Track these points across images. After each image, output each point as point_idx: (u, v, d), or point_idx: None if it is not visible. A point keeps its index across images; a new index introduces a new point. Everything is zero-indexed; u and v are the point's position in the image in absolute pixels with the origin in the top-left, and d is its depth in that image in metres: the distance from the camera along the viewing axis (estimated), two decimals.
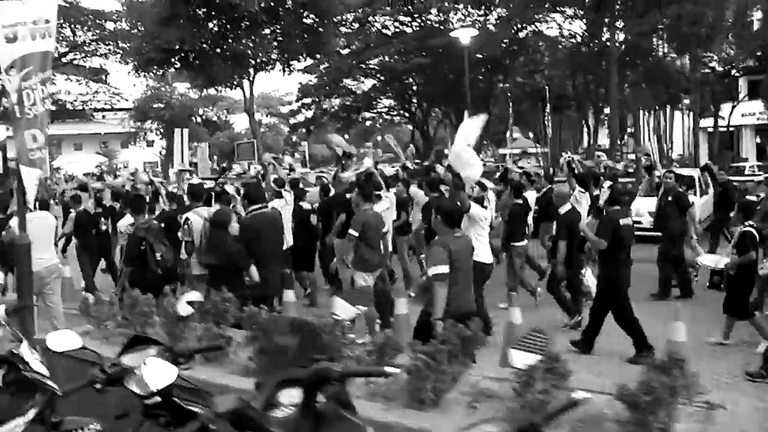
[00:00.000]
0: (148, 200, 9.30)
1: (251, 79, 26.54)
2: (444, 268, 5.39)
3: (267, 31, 24.68)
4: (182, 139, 16.22)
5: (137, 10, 27.04)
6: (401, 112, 37.61)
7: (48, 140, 6.14)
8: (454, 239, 5.62)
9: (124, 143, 66.39)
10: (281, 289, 7.80)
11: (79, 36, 30.96)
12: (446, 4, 30.05)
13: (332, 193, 11.14)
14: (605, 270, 7.25)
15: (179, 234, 8.70)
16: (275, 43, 25.03)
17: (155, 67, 27.04)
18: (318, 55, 27.71)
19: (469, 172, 8.13)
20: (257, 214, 7.11)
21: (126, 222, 8.96)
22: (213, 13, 24.20)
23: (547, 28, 30.90)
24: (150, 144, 68.65)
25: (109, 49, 31.80)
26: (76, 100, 34.47)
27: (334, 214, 10.04)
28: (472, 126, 8.94)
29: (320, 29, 25.25)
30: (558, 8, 27.89)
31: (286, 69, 27.32)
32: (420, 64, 30.14)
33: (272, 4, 23.54)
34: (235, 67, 25.15)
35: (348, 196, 9.80)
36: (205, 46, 24.67)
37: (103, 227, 10.99)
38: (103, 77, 34.16)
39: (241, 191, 10.22)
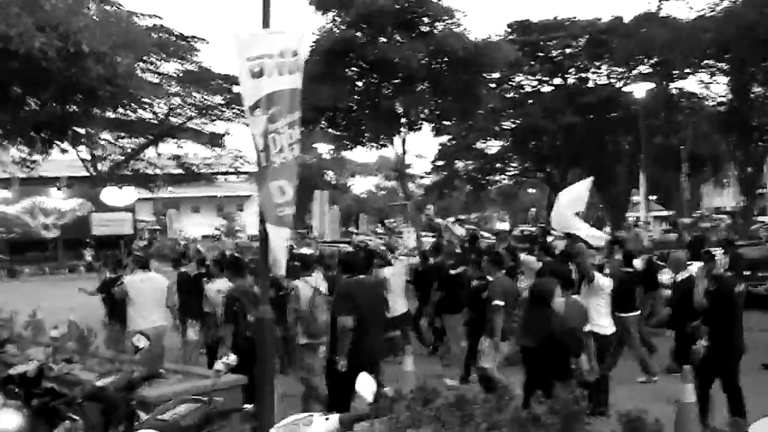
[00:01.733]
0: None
1: (403, 138, 27.27)
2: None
3: (421, 88, 24.47)
4: (321, 201, 16.67)
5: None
6: (536, 173, 37.39)
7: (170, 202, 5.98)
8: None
9: (240, 206, 69.71)
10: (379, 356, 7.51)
11: (207, 100, 32.52)
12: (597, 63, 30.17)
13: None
14: (719, 338, 6.89)
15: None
16: (431, 102, 24.93)
17: (302, 127, 27.88)
18: (471, 114, 27.74)
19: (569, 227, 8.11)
20: (354, 279, 6.86)
21: (215, 287, 9.06)
22: (366, 70, 24.61)
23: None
24: None
25: (235, 113, 33.25)
26: (200, 164, 36.02)
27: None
28: (577, 191, 8.80)
29: (474, 87, 25.07)
30: (705, 64, 27.29)
31: (436, 128, 27.65)
32: (570, 123, 29.92)
33: (429, 60, 23.70)
34: (387, 126, 25.40)
35: (452, 272, 10.02)
36: (353, 105, 25.13)
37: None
38: (221, 142, 35.56)
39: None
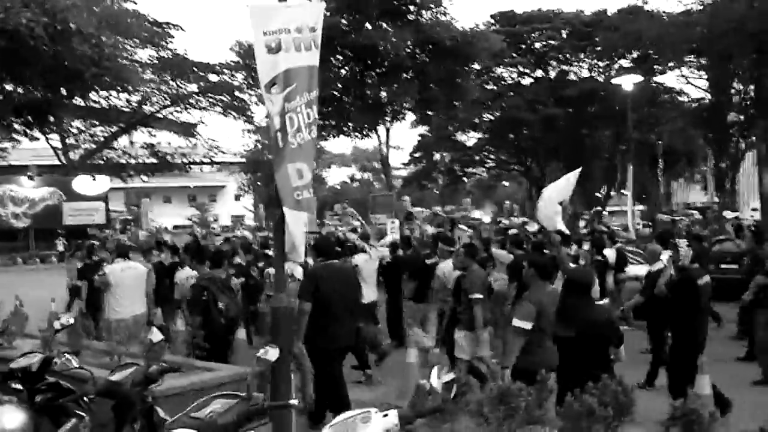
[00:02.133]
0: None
1: (387, 128, 27.07)
2: (527, 325, 5.76)
3: (406, 77, 24.56)
4: None
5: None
6: (514, 166, 37.69)
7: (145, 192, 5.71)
8: (546, 293, 5.98)
9: (212, 196, 69.30)
10: (352, 343, 7.56)
11: (183, 88, 32.08)
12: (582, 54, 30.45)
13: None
14: (681, 328, 7.18)
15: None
16: (416, 92, 24.90)
17: None
18: (456, 104, 27.71)
19: (552, 223, 8.29)
20: (325, 264, 6.89)
21: (183, 275, 9.19)
22: (351, 57, 24.70)
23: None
24: (237, 198, 71.50)
25: (211, 102, 33.03)
26: (174, 153, 35.39)
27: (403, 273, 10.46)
28: (564, 182, 8.82)
29: (459, 78, 25.40)
30: (687, 60, 27.56)
31: (419, 119, 27.98)
32: (551, 114, 30.11)
33: (415, 48, 23.78)
34: (372, 115, 25.46)
35: (428, 261, 10.03)
36: (336, 92, 25.12)
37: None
38: (194, 131, 35.23)
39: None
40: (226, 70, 31.02)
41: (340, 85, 25.11)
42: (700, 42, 23.37)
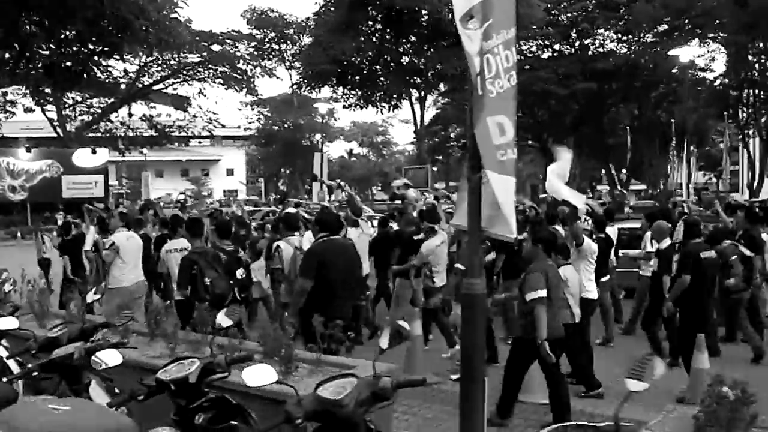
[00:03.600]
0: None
1: (422, 96, 27.22)
2: (543, 293, 6.11)
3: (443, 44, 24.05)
4: (322, 164, 17.31)
5: (319, 21, 27.87)
6: (529, 142, 37.80)
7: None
8: (549, 266, 6.39)
9: (205, 170, 69.65)
10: (350, 319, 7.65)
11: (183, 58, 32.27)
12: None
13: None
14: (688, 305, 7.45)
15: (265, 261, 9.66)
16: (456, 59, 23.96)
17: (320, 82, 27.80)
18: None
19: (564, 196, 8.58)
20: (327, 240, 6.97)
21: (167, 248, 9.32)
22: (387, 22, 24.60)
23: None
24: (230, 172, 72.01)
25: (211, 73, 33.42)
26: (173, 125, 35.99)
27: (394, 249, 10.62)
28: (562, 163, 9.31)
29: None
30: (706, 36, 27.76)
31: (450, 89, 27.66)
32: (584, 89, 29.29)
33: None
34: (405, 83, 25.52)
35: (415, 237, 10.18)
36: (366, 61, 25.17)
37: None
38: (186, 105, 35.56)
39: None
40: (228, 40, 31.27)
41: (370, 53, 25.09)
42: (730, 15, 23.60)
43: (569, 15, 30.95)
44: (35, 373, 3.64)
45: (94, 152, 30.07)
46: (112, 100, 32.87)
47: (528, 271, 6.54)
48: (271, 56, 33.74)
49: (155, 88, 33.69)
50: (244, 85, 33.94)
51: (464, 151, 37.81)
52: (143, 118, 34.43)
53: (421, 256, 9.76)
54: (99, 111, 33.19)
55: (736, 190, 35.46)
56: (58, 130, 33.07)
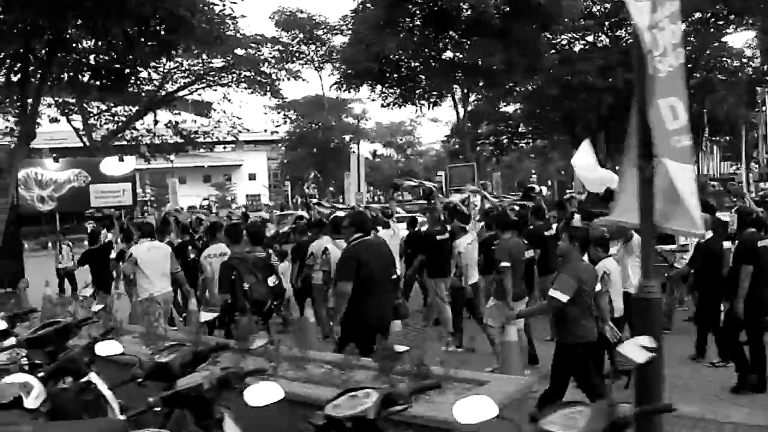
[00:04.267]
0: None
1: (465, 92, 27.15)
2: (564, 298, 6.13)
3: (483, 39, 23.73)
4: (359, 165, 17.49)
5: (357, 19, 27.88)
6: (563, 136, 37.54)
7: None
8: (583, 267, 6.46)
9: (227, 176, 70.38)
10: (391, 320, 7.79)
11: (208, 63, 32.66)
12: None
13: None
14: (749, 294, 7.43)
15: (308, 262, 9.89)
16: (500, 53, 24.03)
17: (359, 80, 27.74)
18: (535, 70, 26.97)
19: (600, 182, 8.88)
20: (361, 241, 7.07)
21: (207, 253, 9.53)
22: (427, 17, 24.42)
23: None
24: (252, 177, 72.64)
25: (234, 78, 33.69)
26: (198, 131, 36.39)
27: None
28: (584, 154, 9.53)
29: (539, 40, 25.00)
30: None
31: (493, 84, 27.18)
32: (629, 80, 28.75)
33: (501, 5, 23.26)
34: (447, 79, 25.46)
35: (439, 237, 10.66)
36: (405, 58, 25.14)
37: (191, 255, 11.57)
38: (206, 112, 35.97)
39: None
40: (252, 44, 31.55)
41: (410, 50, 24.99)
42: None
43: (604, 6, 30.51)
44: (157, 408, 3.21)
45: (121, 160, 30.60)
46: (137, 108, 33.37)
47: (560, 270, 6.61)
48: (295, 59, 34.17)
49: (179, 94, 34.11)
50: (268, 89, 34.34)
51: (495, 149, 38.33)
52: (168, 125, 34.88)
53: (457, 258, 10.05)
54: (124, 119, 33.73)
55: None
56: (84, 139, 33.71)
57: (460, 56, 24.37)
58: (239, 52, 31.63)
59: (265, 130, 41.74)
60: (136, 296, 9.44)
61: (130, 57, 12.20)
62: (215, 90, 34.95)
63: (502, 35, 23.71)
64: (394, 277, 9.80)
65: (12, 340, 4.96)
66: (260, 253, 8.44)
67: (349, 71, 27.61)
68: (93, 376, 4.03)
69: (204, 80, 34.15)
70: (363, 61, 25.39)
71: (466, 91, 26.94)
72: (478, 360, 8.35)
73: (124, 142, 34.61)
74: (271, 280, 8.19)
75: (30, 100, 12.68)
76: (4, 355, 4.74)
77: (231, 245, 8.59)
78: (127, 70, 12.69)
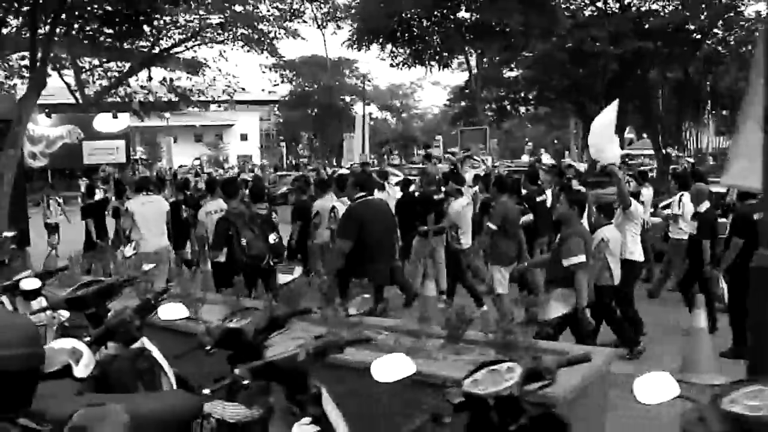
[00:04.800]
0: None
1: (479, 53, 27.39)
2: (582, 257, 6.44)
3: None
4: (364, 125, 17.73)
5: None
6: (567, 104, 37.27)
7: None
8: (584, 230, 6.83)
9: (218, 135, 70.42)
10: (388, 282, 8.17)
11: (204, 18, 32.35)
12: None
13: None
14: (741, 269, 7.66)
15: (315, 221, 10.36)
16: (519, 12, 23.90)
17: (371, 38, 27.86)
18: (551, 33, 26.71)
19: (608, 155, 9.07)
20: (365, 201, 7.30)
21: (205, 210, 9.79)
22: None
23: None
24: (244, 138, 72.70)
25: (230, 35, 33.31)
26: (192, 89, 36.10)
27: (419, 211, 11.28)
28: (608, 115, 9.90)
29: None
30: None
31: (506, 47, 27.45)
32: (641, 48, 27.78)
33: None
34: (461, 39, 25.33)
35: (436, 197, 11.15)
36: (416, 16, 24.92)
37: (184, 214, 12.07)
38: (201, 70, 35.66)
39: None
40: (250, 1, 31.28)
41: (424, 9, 24.85)
42: None
43: None
44: (245, 381, 2.85)
45: (115, 117, 30.40)
46: (130, 64, 33.24)
47: (565, 235, 6.80)
48: (294, 17, 34.05)
49: (174, 51, 34.03)
50: (265, 47, 34.15)
51: (496, 115, 38.48)
52: (162, 82, 34.82)
53: (449, 218, 10.43)
54: (117, 75, 33.66)
55: None
56: (76, 95, 33.67)
57: (477, 16, 24.29)
58: (237, 8, 31.36)
59: (263, 90, 41.77)
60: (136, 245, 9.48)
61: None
62: (211, 47, 34.83)
63: None
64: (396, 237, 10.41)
65: (42, 301, 5.01)
66: (261, 209, 8.60)
67: (360, 28, 27.64)
68: (145, 342, 3.84)
69: (199, 37, 33.92)
70: (378, 18, 25.32)
71: (479, 52, 26.77)
72: None
73: (117, 99, 34.30)
74: (272, 237, 8.32)
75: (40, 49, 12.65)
76: (36, 317, 4.54)
77: (228, 200, 8.75)
78: (142, 17, 12.60)
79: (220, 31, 33.35)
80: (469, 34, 25.58)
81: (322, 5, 38.85)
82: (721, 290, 9.09)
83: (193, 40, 33.63)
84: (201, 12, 31.09)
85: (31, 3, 11.93)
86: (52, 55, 29.95)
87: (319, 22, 40.74)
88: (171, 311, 3.93)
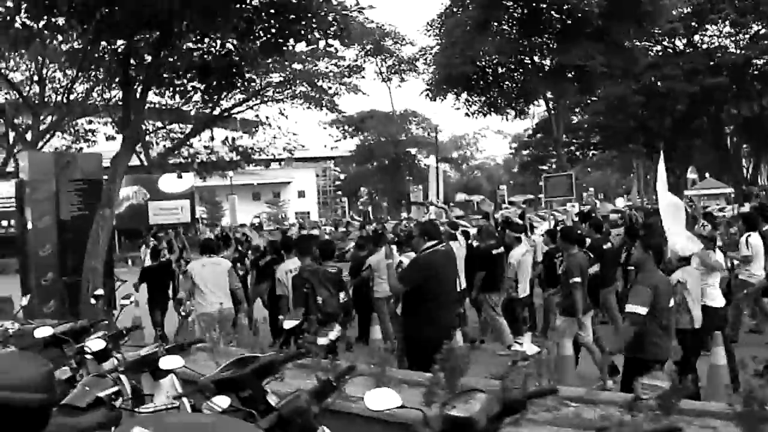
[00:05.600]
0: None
1: (555, 98, 27.39)
2: (644, 310, 6.14)
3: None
4: (437, 175, 18.58)
5: (449, 22, 28.29)
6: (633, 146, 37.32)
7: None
8: (659, 277, 6.51)
9: (276, 193, 72.07)
10: (457, 327, 8.16)
11: (265, 77, 33.28)
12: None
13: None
14: None
15: (363, 274, 10.56)
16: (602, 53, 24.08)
17: (447, 87, 28.43)
18: (630, 73, 26.93)
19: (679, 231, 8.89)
20: (434, 251, 7.24)
21: (284, 268, 9.95)
22: (522, 20, 24.63)
23: None
24: (302, 194, 74.23)
25: (289, 93, 34.62)
26: (254, 148, 36.84)
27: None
28: (662, 172, 10.13)
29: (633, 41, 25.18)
30: None
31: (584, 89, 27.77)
32: (713, 85, 28.01)
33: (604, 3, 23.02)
34: (540, 83, 25.76)
35: (495, 251, 11.35)
36: (499, 64, 25.26)
37: (240, 272, 12.31)
38: (254, 129, 36.86)
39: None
40: (309, 58, 31.92)
41: (506, 54, 25.18)
42: None
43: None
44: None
45: (179, 177, 31.81)
46: (191, 125, 34.47)
47: (636, 281, 6.63)
48: (352, 73, 35.01)
49: (236, 110, 35.25)
50: (325, 104, 35.16)
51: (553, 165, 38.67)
52: (224, 142, 35.87)
53: (511, 267, 10.76)
54: (180, 137, 34.98)
55: None
56: (141, 156, 35.12)
57: (558, 59, 24.60)
58: (297, 66, 32.38)
59: (325, 146, 42.66)
60: (190, 312, 10.15)
61: (239, 54, 11.78)
62: (269, 106, 36.03)
63: (599, 37, 24.04)
64: (461, 290, 10.61)
65: (114, 361, 4.96)
66: (331, 267, 8.84)
67: (436, 76, 28.23)
68: None
69: (259, 96, 35.05)
70: (458, 65, 25.82)
71: (557, 96, 27.04)
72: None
73: (181, 160, 35.54)
74: (341, 296, 8.55)
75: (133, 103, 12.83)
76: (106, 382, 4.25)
77: (301, 258, 8.99)
78: (235, 68, 12.34)
79: (279, 90, 34.48)
80: (548, 78, 25.89)
81: (387, 59, 39.58)
82: None
83: (254, 99, 34.83)
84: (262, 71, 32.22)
85: (123, 53, 11.87)
86: (116, 118, 31.69)
87: (384, 76, 41.42)
88: (378, 398, 3.03)
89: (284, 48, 12.12)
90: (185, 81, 12.63)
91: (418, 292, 7.05)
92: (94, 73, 21.60)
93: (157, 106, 27.82)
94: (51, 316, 10.79)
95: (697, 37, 31.34)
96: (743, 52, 29.00)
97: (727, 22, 29.61)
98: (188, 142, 34.97)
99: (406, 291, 7.19)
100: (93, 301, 9.62)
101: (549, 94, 28.32)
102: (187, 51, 11.97)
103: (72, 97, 30.35)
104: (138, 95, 12.70)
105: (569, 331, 8.82)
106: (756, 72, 29.42)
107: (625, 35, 24.36)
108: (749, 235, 10.68)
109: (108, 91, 27.25)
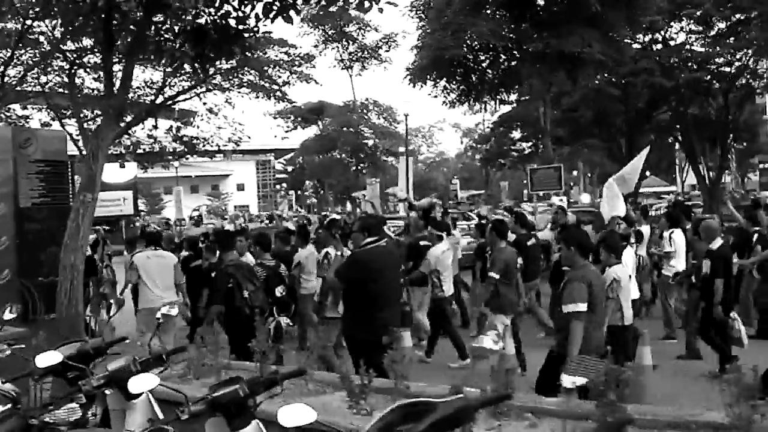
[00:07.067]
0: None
1: (548, 87, 27.98)
2: (582, 306, 6.22)
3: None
4: (407, 168, 19.10)
5: (437, 3, 28.49)
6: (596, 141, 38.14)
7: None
8: (590, 272, 6.59)
9: (215, 185, 72.50)
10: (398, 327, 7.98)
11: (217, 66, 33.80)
12: None
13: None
14: None
15: (293, 272, 10.77)
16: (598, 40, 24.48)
17: (432, 73, 28.63)
18: (619, 63, 27.46)
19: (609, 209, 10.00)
20: (373, 248, 7.32)
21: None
22: (515, 6, 24.86)
23: None
24: (241, 188, 74.80)
25: (235, 82, 33.80)
26: (197, 137, 36.85)
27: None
28: (639, 161, 11.26)
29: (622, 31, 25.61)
30: None
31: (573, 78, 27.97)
32: (695, 78, 28.92)
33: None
34: (538, 70, 25.98)
35: (422, 243, 11.74)
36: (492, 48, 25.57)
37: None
38: (191, 120, 36.67)
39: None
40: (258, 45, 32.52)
41: (501, 38, 25.21)
42: None
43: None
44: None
45: (122, 166, 31.71)
46: (132, 114, 34.58)
47: (568, 279, 6.62)
48: (303, 61, 35.76)
49: (181, 98, 35.65)
50: (274, 94, 35.49)
51: (518, 157, 39.05)
52: (168, 131, 36.11)
53: (427, 264, 11.01)
54: (122, 125, 35.04)
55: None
56: (79, 145, 35.23)
57: (553, 45, 24.60)
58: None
59: (275, 136, 43.00)
60: (139, 306, 10.35)
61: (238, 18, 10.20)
62: (215, 95, 35.31)
63: (595, 24, 24.41)
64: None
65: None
66: (269, 261, 9.23)
67: (423, 60, 28.11)
68: None
69: (204, 84, 35.36)
70: (451, 48, 25.75)
71: (545, 84, 27.67)
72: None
73: (122, 150, 35.30)
74: (279, 290, 8.84)
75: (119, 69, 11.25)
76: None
77: (222, 252, 9.24)
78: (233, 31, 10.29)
79: (229, 78, 33.65)
80: (541, 64, 26.17)
81: (346, 46, 39.24)
82: (738, 332, 9.30)
83: (199, 87, 35.20)
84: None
85: (103, 12, 10.20)
86: (53, 103, 31.54)
87: (345, 64, 41.46)
88: (292, 414, 2.95)
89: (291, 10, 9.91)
90: (175, 46, 10.81)
91: (354, 290, 7.20)
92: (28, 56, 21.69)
93: (95, 92, 27.99)
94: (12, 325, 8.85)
95: (669, 33, 32.73)
96: (708, 50, 30.37)
97: (692, 20, 30.82)
98: (131, 131, 35.36)
99: (344, 288, 7.42)
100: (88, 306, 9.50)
101: (535, 82, 28.98)
102: (179, 9, 10.42)
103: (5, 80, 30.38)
104: (123, 59, 11.38)
105: (506, 330, 9.14)
106: (716, 71, 30.74)
107: (619, 24, 25.07)
108: (672, 232, 11.63)
109: (44, 75, 27.50)
